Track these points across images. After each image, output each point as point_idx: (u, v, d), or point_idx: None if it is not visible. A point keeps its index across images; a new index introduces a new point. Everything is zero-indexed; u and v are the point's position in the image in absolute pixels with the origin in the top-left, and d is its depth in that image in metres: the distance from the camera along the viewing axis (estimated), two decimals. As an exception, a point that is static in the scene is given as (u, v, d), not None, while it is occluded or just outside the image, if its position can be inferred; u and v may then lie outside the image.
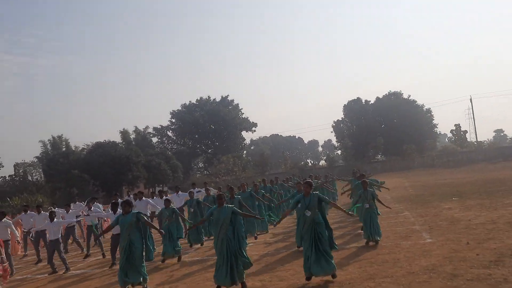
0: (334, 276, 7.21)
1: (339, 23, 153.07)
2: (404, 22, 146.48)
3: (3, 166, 63.22)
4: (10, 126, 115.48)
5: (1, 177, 51.10)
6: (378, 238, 9.84)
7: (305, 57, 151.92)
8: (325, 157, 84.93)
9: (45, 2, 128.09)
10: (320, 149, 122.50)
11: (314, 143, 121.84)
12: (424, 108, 66.91)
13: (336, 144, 72.85)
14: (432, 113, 67.11)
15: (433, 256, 8.07)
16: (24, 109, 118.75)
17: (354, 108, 68.48)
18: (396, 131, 63.37)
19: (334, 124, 71.31)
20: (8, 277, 7.96)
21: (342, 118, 70.53)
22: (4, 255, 8.21)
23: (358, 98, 69.55)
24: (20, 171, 49.72)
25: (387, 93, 69.32)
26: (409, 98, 67.34)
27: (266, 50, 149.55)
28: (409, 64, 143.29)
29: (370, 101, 69.18)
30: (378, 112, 66.79)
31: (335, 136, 71.68)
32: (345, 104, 70.02)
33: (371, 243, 9.83)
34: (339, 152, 74.15)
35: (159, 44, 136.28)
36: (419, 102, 67.31)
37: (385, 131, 64.69)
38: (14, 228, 12.23)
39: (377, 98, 69.03)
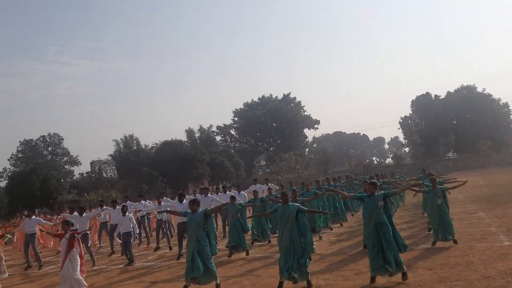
0: (404, 277, 6.96)
1: (404, 13, 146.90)
2: (475, 8, 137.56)
3: (81, 164, 68.31)
4: (87, 126, 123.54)
5: (79, 173, 54.96)
6: (451, 238, 9.33)
7: (370, 51, 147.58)
8: (391, 155, 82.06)
9: (118, 7, 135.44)
10: (386, 146, 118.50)
11: (380, 140, 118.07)
12: (501, 103, 62.45)
13: (403, 141, 70.28)
14: (509, 108, 62.53)
15: (511, 260, 7.53)
16: (99, 110, 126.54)
17: (423, 103, 65.46)
18: (469, 127, 59.63)
19: (401, 121, 68.66)
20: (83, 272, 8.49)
21: (410, 114, 67.70)
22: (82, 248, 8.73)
23: (427, 93, 66.43)
24: (96, 168, 52.99)
25: (459, 87, 65.53)
26: (484, 92, 63.17)
27: (329, 45, 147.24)
28: (483, 56, 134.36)
29: (440, 96, 65.81)
30: (449, 107, 63.30)
31: (402, 133, 68.93)
32: (413, 100, 67.16)
33: (438, 244, 9.36)
34: (406, 149, 71.39)
35: (222, 44, 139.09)
36: (495, 96, 63.00)
37: (457, 127, 61.15)
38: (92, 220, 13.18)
39: (448, 92, 65.48)
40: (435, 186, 9.87)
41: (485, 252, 8.37)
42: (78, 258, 8.34)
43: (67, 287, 8.08)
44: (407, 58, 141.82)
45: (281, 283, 7.36)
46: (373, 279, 7.06)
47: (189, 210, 8.24)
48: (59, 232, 10.32)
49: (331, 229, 13.33)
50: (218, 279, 7.88)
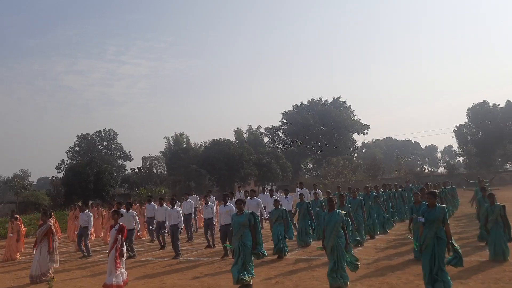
0: None
1: (461, 16, 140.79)
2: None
3: (133, 159, 70.80)
4: (140, 123, 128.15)
5: (131, 168, 56.95)
6: (507, 258, 8.80)
7: (425, 55, 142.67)
8: (444, 164, 78.81)
9: (171, 12, 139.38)
10: (439, 155, 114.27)
11: (432, 148, 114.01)
12: None
13: (457, 150, 67.31)
14: None
15: None
16: (152, 108, 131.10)
17: (480, 111, 62.58)
18: (530, 138, 56.34)
19: (456, 129, 65.96)
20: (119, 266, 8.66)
21: (465, 122, 64.95)
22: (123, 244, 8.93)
23: (485, 101, 63.50)
24: (147, 164, 54.77)
25: (520, 96, 62.07)
26: (547, 101, 59.48)
27: (381, 49, 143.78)
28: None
29: (499, 105, 62.66)
30: (509, 116, 60.05)
31: (456, 141, 66.31)
32: (469, 108, 64.41)
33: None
34: (461, 159, 68.45)
35: (273, 47, 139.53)
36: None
37: (516, 138, 57.92)
38: (137, 219, 13.59)
39: (508, 101, 62.17)
40: (493, 203, 9.32)
41: (544, 269, 7.85)
42: (116, 250, 8.55)
43: (108, 276, 8.36)
44: (466, 64, 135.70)
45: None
46: None
47: (235, 210, 8.34)
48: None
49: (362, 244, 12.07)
50: (251, 280, 7.93)
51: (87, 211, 14.21)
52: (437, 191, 12.08)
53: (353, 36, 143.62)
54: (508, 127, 60.80)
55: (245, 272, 7.77)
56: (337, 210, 7.66)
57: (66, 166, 58.57)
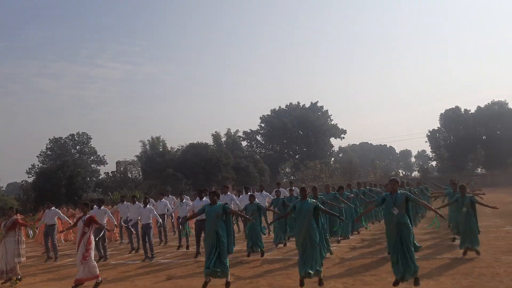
0: (416, 283, 6.72)
1: (436, 24, 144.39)
2: (511, 24, 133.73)
3: (107, 163, 69.59)
4: (115, 127, 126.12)
5: (105, 173, 55.88)
6: (477, 248, 9.01)
7: (400, 63, 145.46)
8: (418, 168, 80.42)
9: (148, 16, 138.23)
10: (413, 159, 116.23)
11: (406, 153, 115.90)
12: (533, 119, 60.58)
13: (430, 154, 68.84)
14: (542, 125, 60.57)
15: (540, 274, 7.17)
16: (127, 112, 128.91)
17: (452, 117, 64.18)
18: (499, 143, 58.00)
19: (429, 134, 67.41)
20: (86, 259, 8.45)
21: (438, 127, 66.46)
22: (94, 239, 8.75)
23: (457, 107, 65.14)
24: (121, 168, 53.82)
25: (489, 102, 64.04)
26: (515, 108, 61.54)
27: (359, 55, 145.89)
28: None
29: (470, 110, 64.41)
30: (479, 122, 61.81)
31: (430, 146, 67.75)
32: (442, 113, 65.93)
33: (469, 254, 9.01)
34: (433, 163, 69.87)
35: (249, 50, 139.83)
36: (527, 112, 61.19)
37: (486, 143, 59.50)
38: (110, 215, 13.24)
39: (478, 107, 64.02)
40: (464, 194, 9.53)
41: (511, 264, 8.00)
42: (88, 243, 8.33)
43: (80, 270, 8.16)
44: (438, 71, 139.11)
45: (301, 281, 7.25)
46: (395, 283, 6.81)
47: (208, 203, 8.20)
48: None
49: (338, 241, 12.29)
50: (229, 277, 7.83)
51: (53, 208, 13.70)
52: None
53: (332, 43, 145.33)
54: (479, 132, 62.49)
55: (220, 266, 7.62)
56: (309, 199, 7.66)
57: (37, 170, 57.01)
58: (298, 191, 15.61)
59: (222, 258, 7.69)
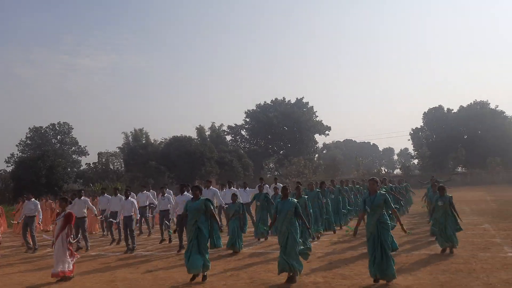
0: (389, 281, 6.87)
1: (422, 24, 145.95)
2: (496, 25, 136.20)
3: (88, 154, 68.60)
4: (97, 118, 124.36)
5: (86, 164, 54.97)
6: (456, 246, 9.17)
7: (385, 61, 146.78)
8: (400, 166, 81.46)
9: (132, 6, 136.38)
10: (395, 157, 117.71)
11: (389, 150, 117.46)
12: (514, 120, 61.93)
13: (413, 153, 69.64)
14: (521, 125, 61.99)
15: (515, 270, 7.35)
16: (110, 103, 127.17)
17: (435, 116, 65.08)
18: (480, 142, 59.09)
19: (412, 132, 68.28)
20: (75, 256, 8.45)
21: (421, 126, 67.35)
22: (73, 234, 8.73)
23: (440, 106, 66.05)
24: (103, 159, 53.04)
25: (472, 102, 65.10)
26: (497, 108, 62.75)
27: (345, 53, 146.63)
28: (499, 72, 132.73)
29: (452, 110, 65.40)
30: (461, 121, 62.80)
31: (412, 144, 68.60)
32: (425, 112, 66.81)
33: (447, 251, 9.18)
34: (415, 161, 70.82)
35: (236, 43, 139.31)
36: (508, 113, 62.48)
37: (467, 142, 60.53)
38: (91, 205, 13.07)
39: (461, 107, 65.00)
40: (443, 194, 9.67)
41: (488, 261, 8.18)
42: (69, 239, 8.29)
43: (56, 265, 8.12)
44: (421, 70, 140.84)
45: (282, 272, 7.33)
46: (375, 281, 6.95)
47: (191, 198, 8.18)
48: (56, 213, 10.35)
49: (318, 237, 12.23)
50: (207, 272, 7.86)
51: (33, 199, 13.48)
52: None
53: (319, 40, 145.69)
54: (460, 132, 63.51)
55: (201, 260, 7.61)
56: (290, 198, 7.73)
57: (16, 159, 55.91)
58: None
59: (202, 252, 7.70)
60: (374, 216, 7.06)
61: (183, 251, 10.92)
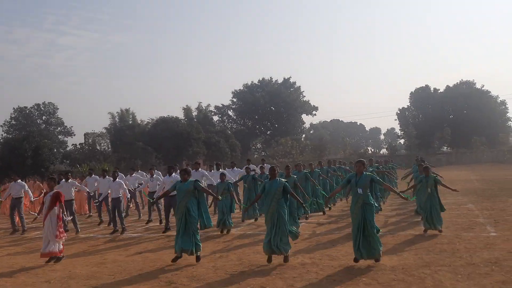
0: (377, 260, 7.04)
1: (410, 4, 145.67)
2: (480, 6, 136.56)
3: (74, 135, 67.71)
4: (83, 97, 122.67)
5: (73, 144, 54.32)
6: (440, 227, 9.37)
7: (372, 41, 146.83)
8: (386, 146, 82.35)
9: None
10: (382, 137, 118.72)
11: (376, 130, 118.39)
12: (498, 100, 62.82)
13: (399, 132, 70.30)
14: (507, 106, 63.17)
15: (496, 249, 7.58)
16: (95, 82, 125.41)
17: (421, 96, 65.60)
18: (466, 122, 59.94)
19: (398, 112, 68.78)
20: (63, 237, 8.45)
21: (407, 105, 67.90)
22: (66, 215, 8.74)
23: (426, 86, 66.54)
24: (90, 140, 52.44)
25: (458, 82, 65.70)
26: (483, 88, 63.48)
27: (332, 33, 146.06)
28: (485, 52, 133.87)
29: (439, 90, 65.94)
30: (447, 101, 63.47)
31: (399, 124, 69.20)
32: (412, 92, 67.29)
33: (429, 232, 9.40)
34: (402, 141, 71.58)
35: (223, 22, 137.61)
36: (494, 93, 63.29)
37: (453, 122, 61.34)
38: (80, 185, 13.03)
39: (447, 86, 65.60)
40: (428, 174, 9.83)
41: (471, 241, 8.41)
42: (58, 219, 8.30)
43: (45, 245, 8.14)
44: (410, 50, 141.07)
45: (269, 257, 7.44)
46: (355, 260, 7.09)
47: (179, 180, 8.20)
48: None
49: (306, 218, 12.53)
50: (200, 252, 7.93)
51: (19, 180, 13.38)
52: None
53: (308, 20, 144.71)
54: (446, 111, 64.19)
55: (191, 243, 7.69)
56: (278, 178, 7.74)
57: (1, 140, 55.01)
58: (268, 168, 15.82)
59: (192, 233, 7.77)
60: (360, 197, 7.12)
61: (168, 232, 11.04)
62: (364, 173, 7.30)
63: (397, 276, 6.29)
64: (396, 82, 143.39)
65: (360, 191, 7.13)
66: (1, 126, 63.48)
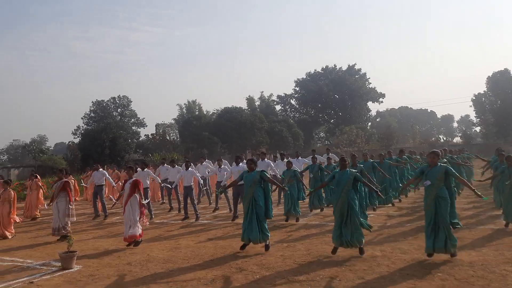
0: (453, 255, 6.72)
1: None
2: None
3: (147, 126, 71.10)
4: (153, 90, 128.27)
5: (145, 135, 57.35)
6: None
7: (443, 23, 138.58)
8: (460, 134, 77.84)
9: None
10: (455, 124, 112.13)
11: (448, 118, 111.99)
12: None
13: (475, 120, 66.02)
14: None
15: None
16: (164, 76, 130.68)
17: (500, 80, 60.80)
18: (551, 108, 54.97)
19: (474, 98, 64.52)
20: (146, 223, 9.05)
21: (484, 91, 63.25)
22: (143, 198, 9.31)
23: (506, 69, 61.60)
24: (160, 130, 55.07)
25: (542, 64, 60.26)
26: None
27: (398, 16, 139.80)
28: None
29: (521, 73, 60.85)
30: (530, 85, 58.43)
31: (474, 111, 64.75)
32: (489, 76, 62.54)
33: (510, 226, 8.83)
34: (477, 129, 67.27)
35: (286, 11, 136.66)
36: None
37: (536, 108, 56.49)
38: (154, 175, 13.75)
39: (530, 69, 60.33)
40: (511, 165, 9.19)
41: (560, 237, 7.80)
42: (138, 204, 8.85)
43: (127, 229, 8.71)
44: (486, 31, 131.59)
45: (335, 249, 7.41)
46: (429, 255, 6.84)
47: (246, 170, 8.38)
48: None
49: (374, 209, 12.17)
50: (269, 241, 8.05)
51: (101, 169, 14.40)
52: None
53: (370, 4, 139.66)
54: (528, 97, 59.28)
55: (258, 233, 7.85)
56: (349, 169, 7.62)
57: (82, 131, 59.11)
58: (337, 159, 15.60)
59: (260, 222, 7.93)
60: (433, 189, 6.84)
61: (238, 220, 11.33)
62: (439, 164, 6.99)
63: (476, 273, 6.01)
64: (471, 65, 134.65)
65: (428, 182, 6.85)
66: (82, 118, 68.16)
